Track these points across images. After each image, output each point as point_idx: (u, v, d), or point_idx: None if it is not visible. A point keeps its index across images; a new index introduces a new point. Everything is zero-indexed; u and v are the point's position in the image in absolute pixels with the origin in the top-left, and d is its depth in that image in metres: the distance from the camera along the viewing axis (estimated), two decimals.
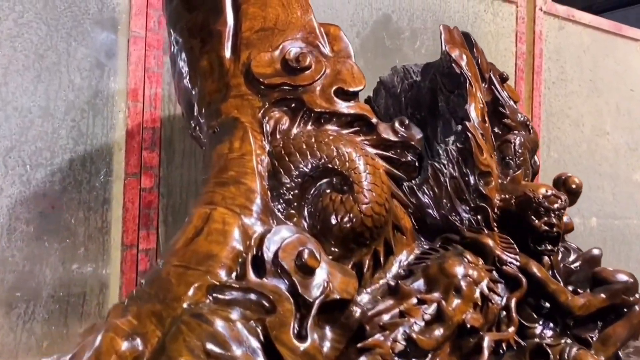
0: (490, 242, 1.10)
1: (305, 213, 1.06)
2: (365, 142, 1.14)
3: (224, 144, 1.08)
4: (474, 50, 1.68)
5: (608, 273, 1.22)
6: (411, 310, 0.92)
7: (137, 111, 1.68)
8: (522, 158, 1.53)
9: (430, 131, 1.54)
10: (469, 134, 1.25)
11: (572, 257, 1.42)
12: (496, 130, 1.60)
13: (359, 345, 0.88)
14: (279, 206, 1.04)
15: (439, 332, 0.91)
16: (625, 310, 1.18)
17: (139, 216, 1.67)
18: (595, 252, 1.41)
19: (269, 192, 1.04)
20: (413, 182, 1.25)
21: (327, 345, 0.92)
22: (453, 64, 1.44)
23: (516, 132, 1.59)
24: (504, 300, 1.02)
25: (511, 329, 0.99)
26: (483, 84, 1.66)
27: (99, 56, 1.64)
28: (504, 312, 1.02)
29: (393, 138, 1.14)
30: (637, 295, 1.19)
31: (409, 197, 1.23)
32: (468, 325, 0.93)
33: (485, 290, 0.99)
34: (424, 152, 1.28)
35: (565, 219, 1.52)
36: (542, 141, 2.59)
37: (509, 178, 1.34)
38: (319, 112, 1.14)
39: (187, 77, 1.26)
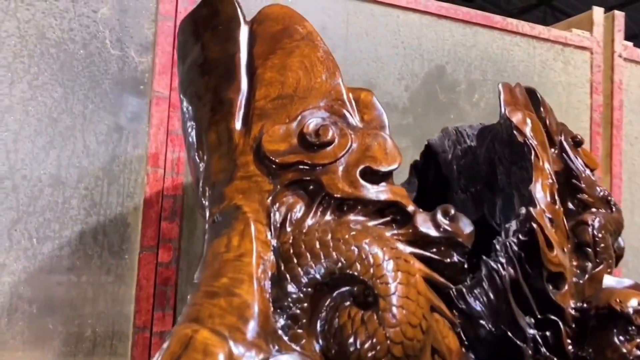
0: None
1: (318, 332, 0.84)
2: (399, 238, 0.90)
3: (222, 240, 0.88)
4: (541, 109, 1.44)
5: None
6: None
7: (157, 177, 1.53)
8: (603, 245, 1.24)
9: (488, 208, 1.29)
10: (535, 225, 0.99)
11: None
12: (570, 206, 1.33)
13: None
14: (283, 323, 0.82)
15: None
16: None
17: (154, 295, 1.49)
18: None
19: (271, 306, 0.82)
20: (463, 284, 1.00)
21: None
22: (515, 131, 1.20)
23: (594, 210, 1.32)
24: None
25: None
26: (552, 150, 1.41)
27: (117, 119, 1.51)
28: None
29: (434, 233, 0.91)
30: None
31: (456, 304, 0.98)
32: None
33: None
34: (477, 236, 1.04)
35: None
36: (625, 205, 2.25)
37: (586, 276, 1.06)
38: (340, 199, 0.92)
39: (195, 150, 1.08)
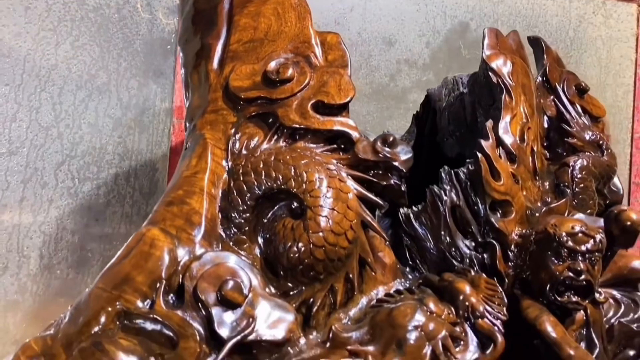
0: (467, 288, 0.88)
1: (261, 240, 0.96)
2: (341, 163, 1.00)
3: (184, 162, 1.02)
4: (543, 56, 1.44)
5: None
6: None
7: (182, 128, 1.70)
8: (582, 185, 1.25)
9: (469, 152, 1.34)
10: (480, 155, 1.05)
11: None
12: (559, 150, 1.34)
13: None
14: (229, 231, 0.95)
15: None
16: None
17: None
18: None
19: (219, 215, 0.96)
20: (411, 209, 1.08)
21: None
22: (490, 73, 1.24)
23: (582, 154, 1.32)
24: None
25: None
26: (551, 97, 1.42)
27: (147, 75, 1.70)
28: None
29: (372, 158, 0.99)
30: None
31: (404, 228, 1.06)
32: None
33: (439, 347, 0.79)
34: None
35: (637, 263, 1.22)
36: None
37: (543, 209, 1.09)
38: (292, 128, 1.03)
39: (184, 92, 1.23)
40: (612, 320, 1.08)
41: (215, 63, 1.14)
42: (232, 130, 1.05)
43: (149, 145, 1.70)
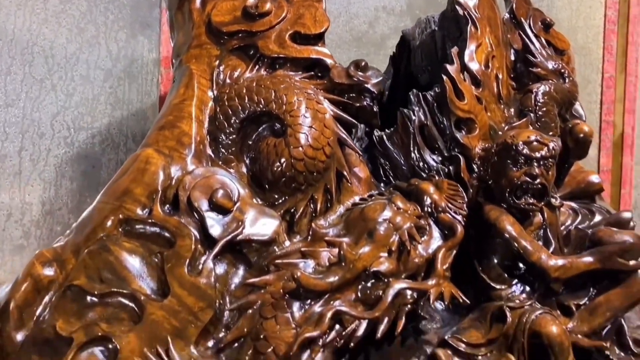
0: (431, 188, 0.98)
1: (246, 158, 1.05)
2: (318, 88, 1.09)
3: (172, 92, 1.11)
4: None
5: (605, 233, 1.03)
6: (313, 253, 0.87)
7: (169, 77, 1.78)
8: (544, 109, 1.35)
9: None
10: (445, 77, 1.14)
11: (597, 219, 1.23)
12: (525, 80, 1.43)
13: (247, 281, 0.86)
14: (218, 152, 1.04)
15: (335, 275, 0.84)
16: (623, 276, 0.99)
17: None
18: (625, 215, 1.20)
19: (207, 137, 1.05)
20: (386, 130, 1.18)
21: (235, 283, 0.91)
22: (457, 6, 1.32)
23: (545, 81, 1.41)
24: (432, 250, 0.91)
25: (435, 281, 0.88)
26: (517, 31, 1.50)
27: (134, 28, 1.77)
28: (432, 265, 0.91)
29: (346, 81, 1.08)
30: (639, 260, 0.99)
31: (379, 146, 1.16)
32: (371, 270, 0.86)
33: (405, 235, 0.89)
34: None
35: (593, 178, 1.33)
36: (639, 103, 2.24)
37: (506, 127, 1.19)
38: (272, 58, 1.11)
39: (170, 32, 1.31)
40: (570, 227, 1.19)
41: (197, 2, 1.21)
42: (217, 63, 1.13)
43: (139, 95, 1.78)
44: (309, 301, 0.85)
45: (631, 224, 1.16)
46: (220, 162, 1.04)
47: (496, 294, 1.00)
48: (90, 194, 1.74)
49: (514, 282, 1.02)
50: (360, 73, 1.09)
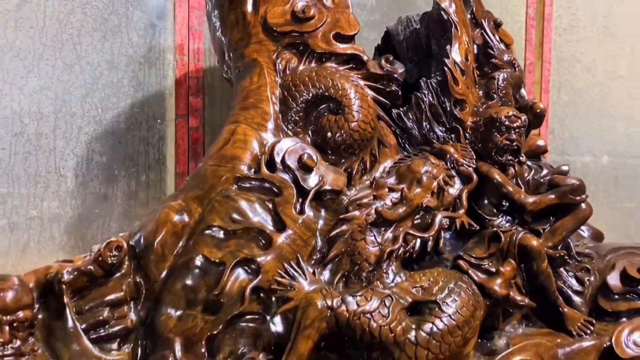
0: (452, 149, 1.39)
1: (309, 131, 1.39)
2: (358, 76, 1.44)
3: (246, 79, 1.41)
4: (471, 0, 1.93)
5: (560, 179, 1.49)
6: (382, 195, 1.24)
7: (184, 63, 2.03)
8: (504, 91, 1.78)
9: (425, 71, 1.82)
10: (446, 69, 1.53)
11: (544, 172, 1.69)
12: (486, 69, 1.86)
13: (340, 216, 1.22)
14: (289, 126, 1.37)
15: (401, 209, 1.22)
16: (572, 207, 1.46)
17: (188, 150, 2.04)
18: (563, 168, 1.67)
19: (280, 115, 1.37)
20: (401, 109, 1.55)
21: (321, 222, 1.26)
22: (442, 12, 1.70)
23: (502, 70, 1.85)
24: (458, 191, 1.32)
25: (461, 211, 1.29)
26: (478, 30, 1.91)
27: (151, 18, 1.99)
28: (458, 200, 1.32)
29: (380, 72, 1.44)
30: (583, 196, 1.46)
31: (396, 122, 1.54)
32: (424, 205, 1.25)
33: (442, 182, 1.29)
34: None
35: (540, 142, 1.79)
36: (552, 85, 2.80)
37: (485, 106, 1.61)
38: (320, 53, 1.44)
39: (220, 30, 1.59)
40: (528, 178, 1.64)
41: (249, 6, 1.51)
42: (274, 56, 1.45)
43: (157, 78, 2.02)
44: (383, 228, 1.22)
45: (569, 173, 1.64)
46: (291, 134, 1.37)
47: (489, 224, 1.43)
48: (117, 167, 1.97)
49: (501, 215, 1.45)
50: (389, 65, 1.45)
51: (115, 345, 1.15)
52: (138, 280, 1.18)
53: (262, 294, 1.12)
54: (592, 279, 1.47)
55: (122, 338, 1.16)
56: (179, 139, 2.02)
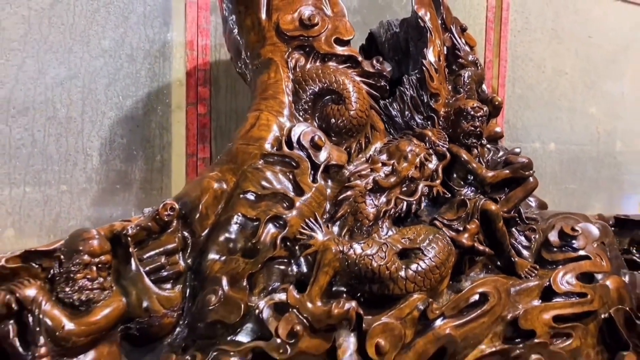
0: (429, 133, 1.74)
1: (316, 117, 1.71)
2: (354, 73, 1.77)
3: (264, 75, 1.72)
4: (441, 7, 2.28)
5: (513, 158, 1.87)
6: (377, 168, 1.59)
7: (193, 57, 2.32)
8: (469, 87, 2.15)
9: (404, 68, 2.17)
10: (424, 68, 1.88)
11: (501, 154, 2.07)
12: (454, 67, 2.22)
13: (345, 184, 1.56)
14: (300, 113, 1.69)
15: (392, 179, 1.57)
16: (522, 180, 1.84)
17: (197, 134, 2.33)
18: (516, 150, 2.05)
19: (293, 105, 1.69)
20: (387, 100, 1.89)
21: (328, 191, 1.59)
22: (419, 20, 2.05)
23: (467, 68, 2.21)
24: (435, 165, 1.68)
25: (437, 181, 1.66)
26: (447, 34, 2.27)
27: (165, 16, 2.27)
28: (435, 173, 1.68)
29: (372, 70, 1.78)
30: (531, 171, 1.84)
31: (383, 110, 1.88)
32: (410, 176, 1.60)
33: (423, 158, 1.64)
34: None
35: (497, 129, 2.17)
36: (508, 80, 3.20)
37: (454, 99, 1.97)
38: (323, 54, 1.77)
39: (236, 32, 1.89)
40: (488, 158, 2.02)
41: (263, 13, 1.82)
42: (286, 56, 1.76)
43: (170, 71, 2.29)
44: (379, 194, 1.56)
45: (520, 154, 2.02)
46: (302, 120, 1.69)
47: (458, 193, 1.79)
48: (136, 147, 2.25)
49: (467, 186, 1.81)
50: (379, 65, 1.79)
51: (169, 285, 1.45)
52: (185, 234, 1.49)
53: (288, 243, 1.45)
54: (537, 236, 1.87)
55: (174, 280, 1.46)
56: (189, 123, 2.31)
